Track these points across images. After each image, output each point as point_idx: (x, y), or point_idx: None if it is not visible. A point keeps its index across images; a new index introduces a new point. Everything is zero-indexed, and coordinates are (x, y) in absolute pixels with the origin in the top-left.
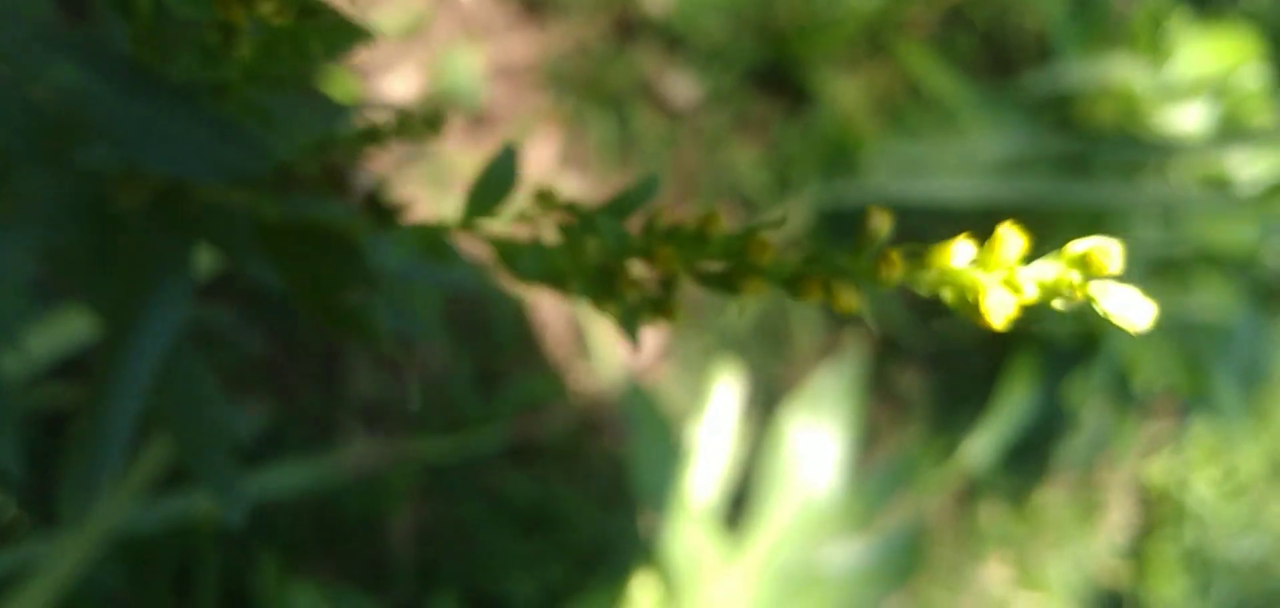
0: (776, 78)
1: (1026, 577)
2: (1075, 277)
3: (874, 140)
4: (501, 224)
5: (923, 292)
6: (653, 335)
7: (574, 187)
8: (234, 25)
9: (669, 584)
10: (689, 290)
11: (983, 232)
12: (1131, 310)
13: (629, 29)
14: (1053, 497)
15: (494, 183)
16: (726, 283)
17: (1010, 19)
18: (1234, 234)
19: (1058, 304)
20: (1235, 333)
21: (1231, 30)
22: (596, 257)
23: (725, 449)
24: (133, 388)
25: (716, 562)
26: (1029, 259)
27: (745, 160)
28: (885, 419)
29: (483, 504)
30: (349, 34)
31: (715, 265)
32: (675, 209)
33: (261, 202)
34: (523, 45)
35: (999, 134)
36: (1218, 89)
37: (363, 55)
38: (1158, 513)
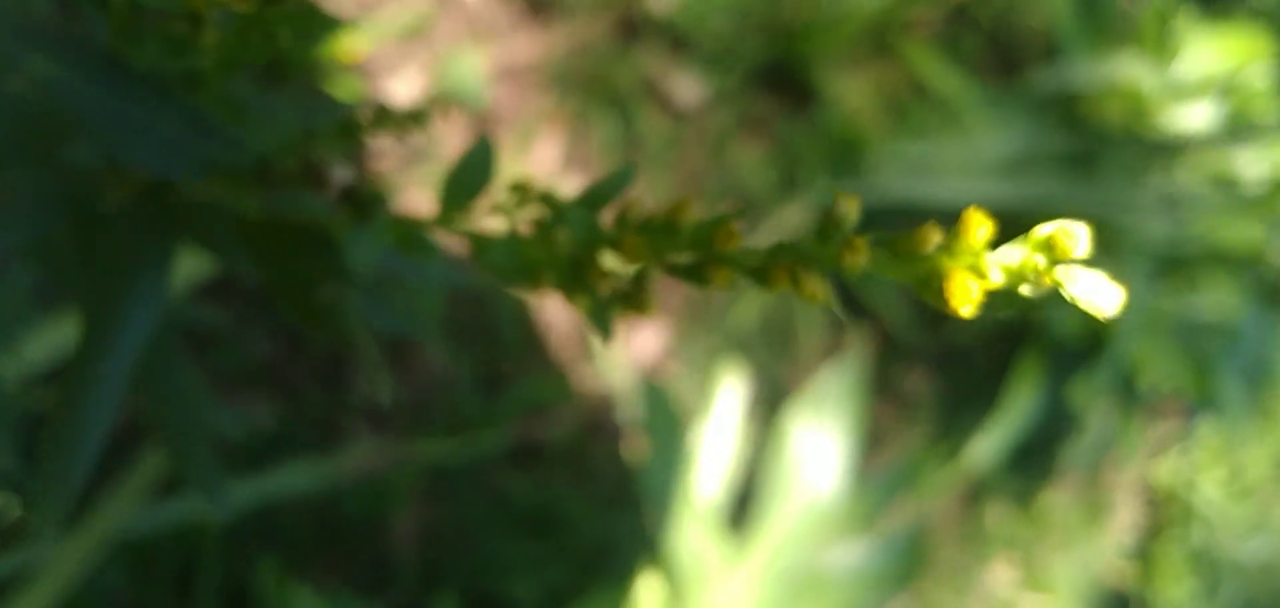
0: (781, 77)
1: (1032, 578)
2: (1041, 261)
3: (879, 140)
4: (476, 217)
5: (890, 278)
6: (657, 335)
7: (578, 187)
8: (200, 14)
9: (673, 586)
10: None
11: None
12: (1098, 294)
13: (633, 29)
14: (1059, 498)
15: (469, 176)
16: (696, 273)
17: (1016, 18)
18: (1241, 233)
19: (1025, 289)
20: (1242, 332)
21: (1238, 28)
22: (568, 248)
23: (730, 450)
24: (111, 385)
25: (720, 563)
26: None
27: (750, 160)
28: (890, 420)
29: (486, 506)
30: (317, 22)
31: (685, 256)
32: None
33: (241, 197)
34: (526, 46)
35: (1004, 133)
36: (1225, 88)
37: (366, 56)
38: (1164, 514)
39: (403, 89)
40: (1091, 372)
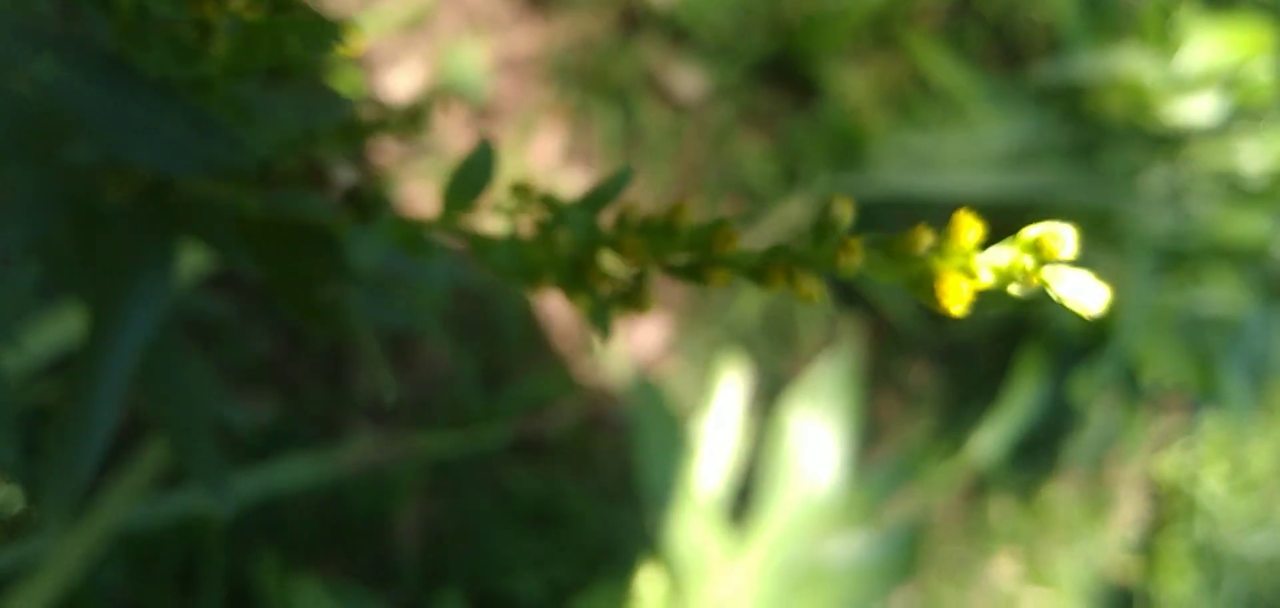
0: (783, 70)
1: (1035, 572)
2: (1029, 262)
3: (882, 133)
4: (478, 218)
5: (883, 279)
6: (658, 330)
7: (579, 180)
8: (209, 22)
9: (674, 580)
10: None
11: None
12: (1084, 294)
13: (634, 22)
14: (1062, 492)
15: (470, 177)
16: (694, 274)
17: (1019, 10)
18: (1244, 227)
19: (1014, 289)
20: (1245, 327)
21: (1242, 21)
22: (568, 249)
23: (730, 444)
24: (115, 381)
25: (721, 557)
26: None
27: (752, 154)
28: (893, 414)
29: (489, 500)
30: (327, 30)
31: (683, 257)
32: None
33: (244, 196)
34: (527, 38)
35: (1007, 126)
36: (1228, 81)
37: (366, 49)
38: (1168, 508)
39: (403, 81)
40: (1094, 366)
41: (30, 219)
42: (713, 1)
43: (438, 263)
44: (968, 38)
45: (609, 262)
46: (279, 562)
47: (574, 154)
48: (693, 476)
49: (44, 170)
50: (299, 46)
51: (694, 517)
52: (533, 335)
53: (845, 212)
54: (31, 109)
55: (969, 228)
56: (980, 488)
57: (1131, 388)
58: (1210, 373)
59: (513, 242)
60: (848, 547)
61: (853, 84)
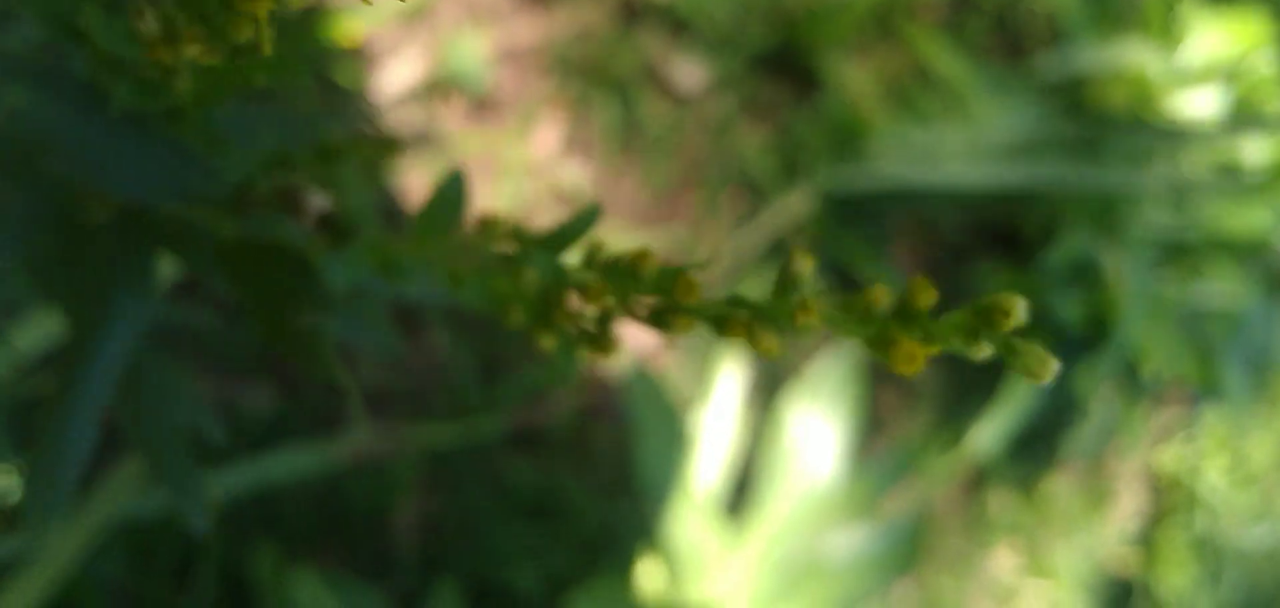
0: (784, 62)
1: (1035, 565)
2: (985, 330)
3: (883, 125)
4: (448, 249)
5: (843, 336)
6: None
7: (579, 172)
8: (168, 64)
9: (672, 572)
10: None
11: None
12: (1036, 366)
13: (634, 13)
14: (1062, 485)
15: (442, 207)
16: (658, 320)
17: (1021, 2)
18: (1246, 220)
19: (971, 352)
20: (1246, 320)
21: (1245, 14)
22: (534, 287)
23: (728, 437)
24: (96, 394)
25: (719, 550)
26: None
27: (753, 146)
28: (892, 407)
29: (486, 492)
30: (294, 64)
31: (648, 302)
32: (681, 196)
33: (219, 219)
34: (528, 29)
35: (1009, 118)
36: (1230, 74)
37: (367, 40)
38: (1168, 501)
39: (403, 72)
40: (1095, 359)
41: (17, 235)
42: None
43: (414, 286)
44: (969, 29)
45: (575, 301)
46: (276, 553)
47: (574, 145)
48: (691, 469)
49: (28, 186)
50: (266, 81)
51: (692, 510)
52: None
53: (806, 267)
54: (10, 134)
55: (925, 295)
56: (980, 480)
57: (1132, 381)
58: (1211, 366)
59: (483, 275)
60: (847, 540)
61: (854, 76)
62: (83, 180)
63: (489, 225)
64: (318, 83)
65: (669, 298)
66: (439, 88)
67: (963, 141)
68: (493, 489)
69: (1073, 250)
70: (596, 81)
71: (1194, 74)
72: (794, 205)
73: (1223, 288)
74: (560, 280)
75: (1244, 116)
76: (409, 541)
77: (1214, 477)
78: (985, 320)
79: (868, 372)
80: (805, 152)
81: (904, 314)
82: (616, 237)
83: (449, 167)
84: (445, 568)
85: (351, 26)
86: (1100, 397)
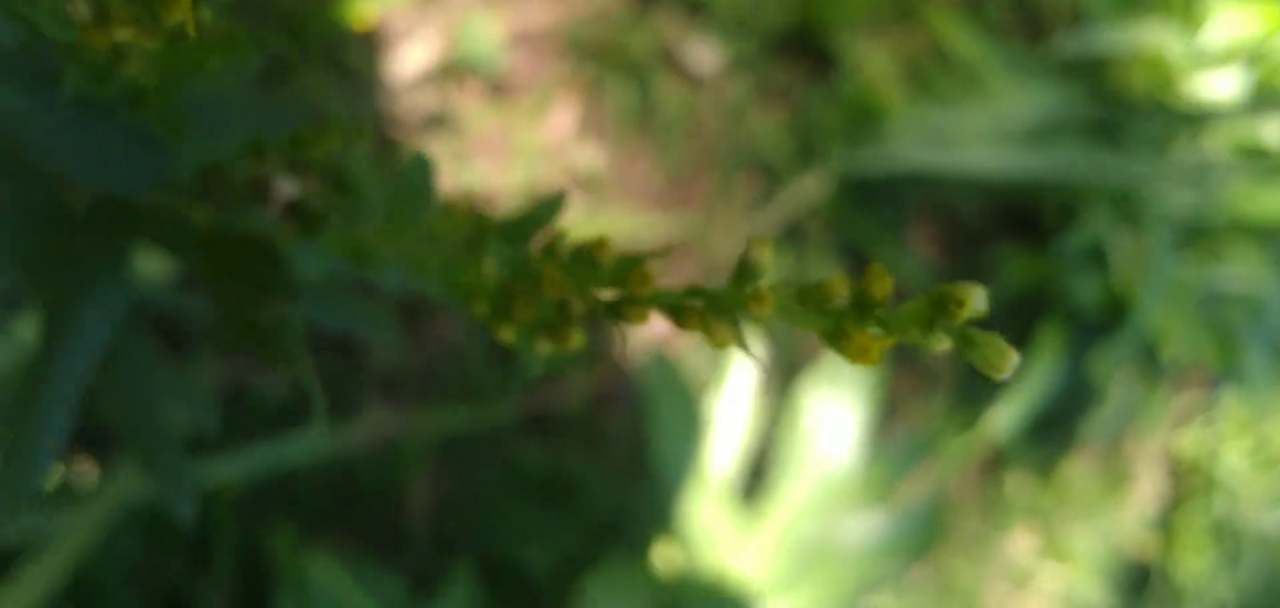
0: (800, 43)
1: (1053, 547)
2: (942, 319)
3: (900, 107)
4: (415, 237)
5: (802, 326)
6: None
7: (593, 155)
8: (117, 46)
9: (685, 556)
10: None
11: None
12: (995, 358)
13: None
14: (1080, 468)
15: (408, 194)
16: (615, 311)
17: None
18: (1267, 203)
19: (927, 342)
20: (1267, 303)
21: None
22: (495, 277)
23: (744, 421)
24: (70, 382)
25: (734, 534)
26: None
27: (767, 128)
28: (909, 390)
29: (499, 475)
30: (240, 49)
31: (606, 293)
32: (696, 179)
33: (192, 207)
34: (542, 11)
35: (1028, 100)
36: (1252, 56)
37: (380, 23)
38: (1187, 485)
39: (418, 54)
40: (1113, 342)
41: (3, 227)
42: None
43: (386, 275)
44: (988, 9)
45: (534, 291)
46: (292, 533)
47: (589, 128)
48: (706, 453)
49: (6, 177)
50: (220, 63)
51: (707, 494)
52: None
53: (765, 257)
54: None
55: (880, 286)
56: (997, 463)
57: (1151, 364)
58: (1231, 349)
59: (446, 263)
60: (863, 525)
61: (871, 57)
62: (45, 167)
63: (449, 212)
64: (331, 67)
65: (625, 289)
66: (453, 71)
67: (981, 124)
68: (505, 472)
69: (1092, 233)
70: (611, 64)
71: (1215, 55)
72: (809, 188)
73: (1243, 271)
74: (519, 271)
75: (1266, 98)
76: (422, 522)
77: (1233, 460)
78: (941, 310)
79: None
80: (821, 134)
81: (859, 305)
82: (630, 220)
83: (414, 156)
84: (458, 549)
85: (365, 10)
86: (1119, 380)
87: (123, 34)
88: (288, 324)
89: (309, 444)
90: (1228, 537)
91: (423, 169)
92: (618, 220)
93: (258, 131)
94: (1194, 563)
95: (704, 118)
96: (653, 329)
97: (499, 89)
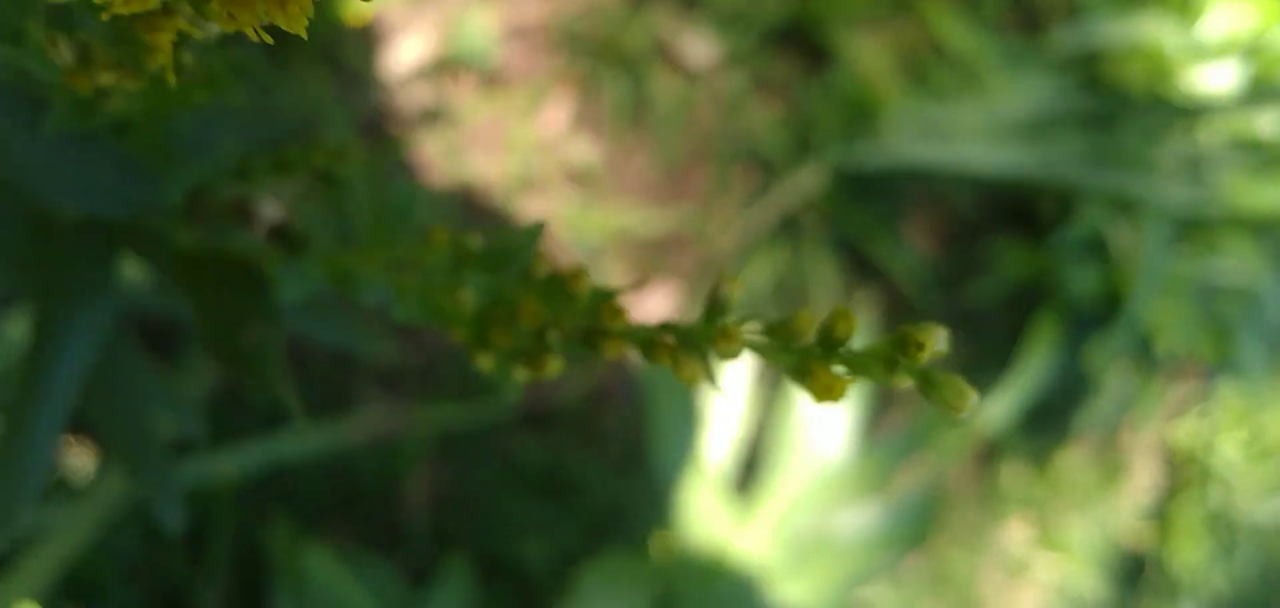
0: (796, 37)
1: (1048, 538)
2: (904, 359)
3: (896, 101)
4: (397, 261)
5: (770, 363)
6: (667, 299)
7: (588, 149)
8: (86, 91)
9: (682, 548)
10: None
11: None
12: (954, 399)
13: None
14: (1075, 458)
15: (391, 216)
16: (588, 341)
17: None
18: (1263, 195)
19: (889, 381)
20: (1262, 295)
21: None
22: (472, 305)
23: (739, 414)
24: (60, 394)
25: (730, 527)
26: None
27: (764, 122)
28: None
29: (497, 470)
30: (221, 88)
31: (579, 323)
32: (691, 173)
33: (175, 227)
34: (536, 5)
35: (1024, 94)
36: (1248, 49)
37: (375, 18)
38: (1182, 475)
39: (413, 48)
40: (1109, 334)
41: None
42: None
43: (369, 293)
44: (985, 3)
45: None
46: (289, 528)
47: (584, 122)
48: (702, 446)
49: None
50: (207, 96)
51: (703, 487)
52: None
53: (734, 293)
54: None
55: (845, 325)
56: (992, 454)
57: (1146, 356)
58: (1226, 341)
59: (425, 288)
60: (858, 517)
61: (867, 51)
62: (31, 193)
63: (429, 239)
64: (327, 62)
65: (598, 320)
66: (448, 65)
67: (977, 117)
68: (503, 466)
69: (1088, 227)
70: (606, 58)
71: (1212, 48)
72: (805, 182)
73: (1239, 264)
74: (496, 299)
75: (1262, 91)
76: (420, 516)
77: (1228, 452)
78: (902, 351)
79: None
80: (817, 127)
81: (825, 344)
82: (625, 214)
83: (401, 183)
84: (456, 543)
85: (360, 5)
86: (1114, 372)
87: (105, 78)
88: (270, 346)
89: (307, 441)
90: (1223, 528)
91: (408, 193)
92: (613, 214)
93: (243, 153)
94: (1189, 554)
95: (700, 112)
96: (649, 320)
97: (494, 83)
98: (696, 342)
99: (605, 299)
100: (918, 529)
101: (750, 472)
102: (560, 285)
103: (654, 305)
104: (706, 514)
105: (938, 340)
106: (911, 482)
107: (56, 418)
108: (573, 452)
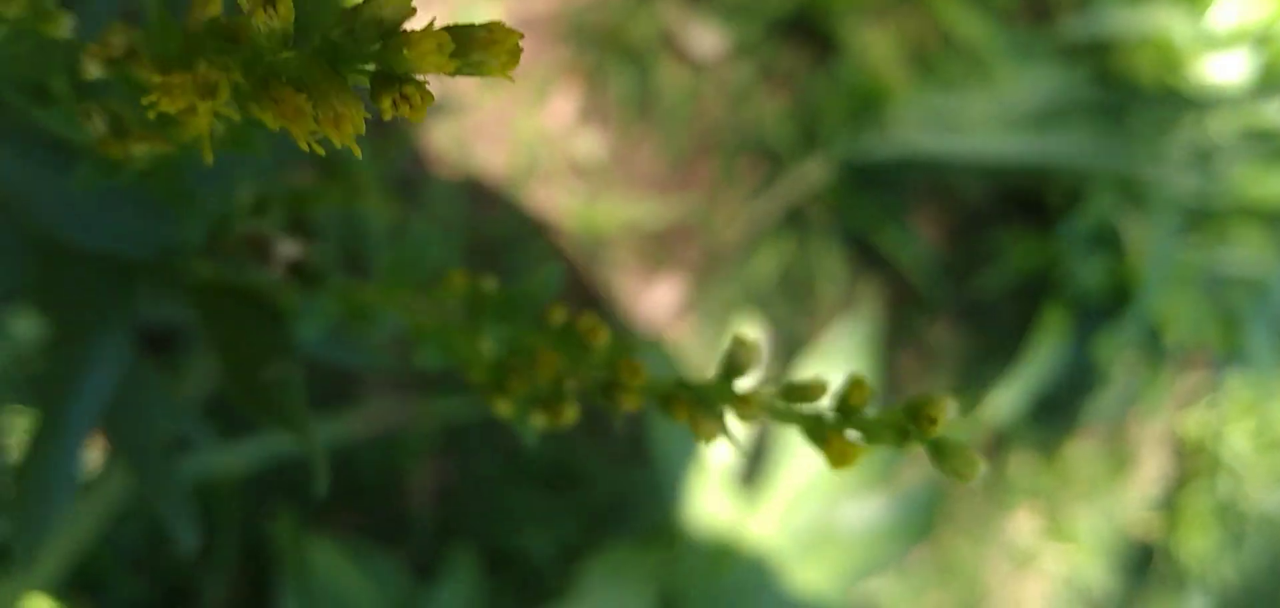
0: (803, 28)
1: (1055, 528)
2: (915, 429)
3: (903, 91)
4: (413, 299)
5: (783, 426)
6: (673, 290)
7: (594, 141)
8: (118, 158)
9: (686, 541)
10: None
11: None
12: (963, 468)
13: None
14: (1083, 449)
15: (411, 258)
16: (605, 394)
17: None
18: (1273, 186)
19: (902, 449)
20: (1272, 286)
21: None
22: (490, 352)
23: None
24: (79, 426)
25: (734, 519)
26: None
27: (770, 114)
28: (912, 373)
29: (501, 462)
30: (246, 144)
31: (596, 375)
32: (698, 164)
33: (193, 263)
34: None
35: (1033, 84)
36: (1259, 39)
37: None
38: (1191, 465)
39: None
40: (1117, 325)
41: (7, 262)
42: None
43: (384, 326)
44: None
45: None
46: (294, 521)
47: (590, 114)
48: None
49: (12, 224)
50: (232, 144)
51: (707, 479)
52: None
53: (752, 356)
54: None
55: (860, 392)
56: (1000, 444)
57: (1155, 346)
58: (1235, 332)
59: (443, 333)
60: (864, 509)
61: (874, 41)
62: (54, 234)
63: (449, 283)
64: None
65: (614, 375)
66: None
67: (986, 108)
68: (506, 459)
69: (1097, 217)
70: (612, 49)
71: (1222, 38)
72: (812, 173)
73: (1248, 254)
74: (512, 349)
75: (1272, 82)
76: (424, 508)
77: (1237, 442)
78: (916, 421)
79: (885, 337)
80: (824, 118)
81: (841, 410)
82: (632, 206)
83: (418, 228)
84: (460, 535)
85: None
86: (1123, 362)
87: (139, 149)
88: (291, 384)
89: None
90: (1231, 518)
91: (425, 235)
92: (619, 206)
93: (261, 191)
94: (1197, 544)
95: (706, 103)
96: (654, 316)
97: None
98: (712, 402)
99: (623, 354)
100: (924, 521)
101: (755, 463)
102: (576, 335)
103: (660, 297)
104: (711, 507)
105: (949, 412)
106: (917, 474)
107: (77, 446)
108: (577, 444)
